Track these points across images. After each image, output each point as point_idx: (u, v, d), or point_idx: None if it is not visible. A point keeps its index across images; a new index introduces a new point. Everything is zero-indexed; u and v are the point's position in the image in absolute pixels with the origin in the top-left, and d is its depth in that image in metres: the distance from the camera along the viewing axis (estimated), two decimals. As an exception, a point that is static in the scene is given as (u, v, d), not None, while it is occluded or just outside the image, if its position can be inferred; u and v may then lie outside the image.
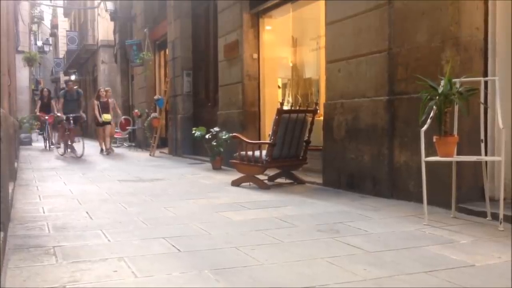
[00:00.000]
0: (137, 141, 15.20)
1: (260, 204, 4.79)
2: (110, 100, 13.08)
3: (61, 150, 11.93)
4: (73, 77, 32.38)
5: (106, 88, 13.99)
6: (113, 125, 13.37)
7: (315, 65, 7.92)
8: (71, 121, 11.25)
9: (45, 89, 15.51)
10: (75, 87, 12.59)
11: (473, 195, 4.23)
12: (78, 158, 10.75)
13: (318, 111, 6.39)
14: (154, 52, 14.94)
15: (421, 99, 3.79)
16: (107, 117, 12.59)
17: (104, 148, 12.58)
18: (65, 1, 32.65)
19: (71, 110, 11.53)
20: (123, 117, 15.20)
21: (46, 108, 14.42)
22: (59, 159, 11.07)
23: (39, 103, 14.93)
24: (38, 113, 14.71)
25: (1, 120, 3.32)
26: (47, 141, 14.19)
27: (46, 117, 13.88)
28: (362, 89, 5.30)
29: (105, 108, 12.64)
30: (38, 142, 17.92)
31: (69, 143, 11.47)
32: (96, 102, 12.67)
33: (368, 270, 2.64)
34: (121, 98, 18.20)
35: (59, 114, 11.79)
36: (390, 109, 4.93)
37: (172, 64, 12.10)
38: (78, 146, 11.30)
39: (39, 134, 14.96)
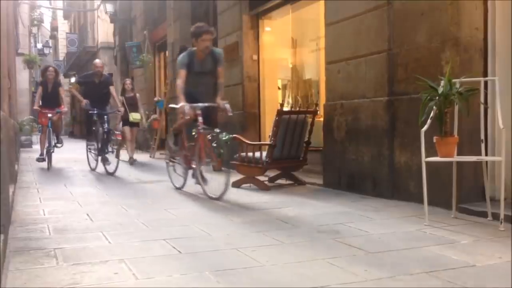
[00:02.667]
0: (137, 143, 15.19)
1: (260, 205, 4.79)
2: (138, 95, 10.27)
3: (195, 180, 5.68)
4: (73, 79, 32.45)
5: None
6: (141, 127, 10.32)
7: (315, 66, 7.93)
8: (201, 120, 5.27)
9: (51, 68, 9.41)
10: (207, 47, 5.44)
11: (473, 195, 4.23)
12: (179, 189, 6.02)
13: (318, 112, 6.39)
14: (154, 54, 14.96)
15: (421, 100, 3.79)
16: (136, 116, 9.83)
17: (131, 155, 9.86)
18: (65, 1, 32.69)
19: (204, 97, 5.43)
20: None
21: (51, 99, 8.99)
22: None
23: (39, 91, 9.19)
24: (37, 108, 8.98)
25: (1, 122, 3.32)
26: (49, 156, 8.86)
27: (50, 115, 8.77)
28: (362, 90, 5.30)
29: (132, 105, 9.78)
30: (38, 145, 17.80)
31: (197, 165, 5.49)
32: (120, 98, 9.68)
33: (369, 271, 2.64)
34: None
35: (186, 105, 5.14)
36: (390, 109, 4.93)
37: (172, 66, 12.10)
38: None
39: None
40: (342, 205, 4.68)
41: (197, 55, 5.49)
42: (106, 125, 7.96)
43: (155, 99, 13.15)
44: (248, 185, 6.08)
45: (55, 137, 9.03)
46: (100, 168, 8.11)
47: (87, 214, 4.41)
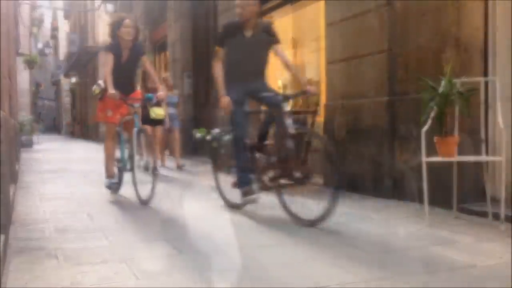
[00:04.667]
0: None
1: (261, 205, 4.78)
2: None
3: None
4: (73, 80, 32.43)
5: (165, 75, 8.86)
6: (168, 127, 8.35)
7: (315, 66, 7.92)
8: None
9: (127, 21, 5.11)
10: None
11: (474, 195, 4.22)
12: None
13: (319, 112, 6.39)
14: (155, 54, 14.96)
15: (421, 100, 3.79)
16: (159, 111, 7.53)
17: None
18: (66, 1, 32.73)
19: None
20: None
21: (125, 77, 5.17)
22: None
23: (108, 61, 5.04)
24: (114, 92, 4.81)
25: (2, 122, 3.32)
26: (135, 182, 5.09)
27: (136, 105, 5.08)
28: (363, 90, 5.30)
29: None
30: (38, 145, 17.73)
31: None
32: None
33: (370, 271, 2.64)
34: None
35: None
36: (391, 109, 4.93)
37: (172, 66, 12.11)
38: None
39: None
40: (342, 205, 4.66)
41: None
42: (288, 122, 4.19)
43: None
44: (248, 185, 6.06)
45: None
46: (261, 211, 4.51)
47: (88, 214, 4.41)
